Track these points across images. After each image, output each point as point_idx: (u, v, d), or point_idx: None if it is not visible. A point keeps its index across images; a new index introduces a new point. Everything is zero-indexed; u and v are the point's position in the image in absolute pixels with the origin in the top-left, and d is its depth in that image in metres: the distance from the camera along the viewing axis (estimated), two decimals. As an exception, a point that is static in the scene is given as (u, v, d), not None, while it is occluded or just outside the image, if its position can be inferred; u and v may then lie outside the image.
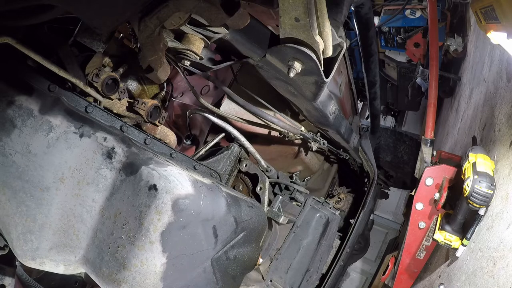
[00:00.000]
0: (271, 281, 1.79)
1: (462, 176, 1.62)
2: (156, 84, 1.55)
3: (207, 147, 1.78)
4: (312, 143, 2.01)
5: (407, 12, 3.77)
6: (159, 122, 1.41)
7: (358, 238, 2.48)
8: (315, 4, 0.92)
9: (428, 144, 2.31)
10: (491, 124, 1.83)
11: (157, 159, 1.08)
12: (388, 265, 2.74)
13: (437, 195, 1.90)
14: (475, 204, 1.44)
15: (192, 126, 2.07)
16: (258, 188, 1.77)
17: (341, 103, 2.48)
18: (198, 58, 1.18)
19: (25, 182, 0.98)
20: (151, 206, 0.97)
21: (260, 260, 1.63)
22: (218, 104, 1.86)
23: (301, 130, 1.87)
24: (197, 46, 1.15)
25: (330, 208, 1.88)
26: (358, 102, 4.49)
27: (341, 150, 2.38)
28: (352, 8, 1.52)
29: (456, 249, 1.65)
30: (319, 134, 2.07)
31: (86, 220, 1.03)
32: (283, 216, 1.74)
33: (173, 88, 2.16)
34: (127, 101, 1.30)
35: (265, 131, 1.97)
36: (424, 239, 2.07)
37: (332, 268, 2.21)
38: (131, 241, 0.97)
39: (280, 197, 1.82)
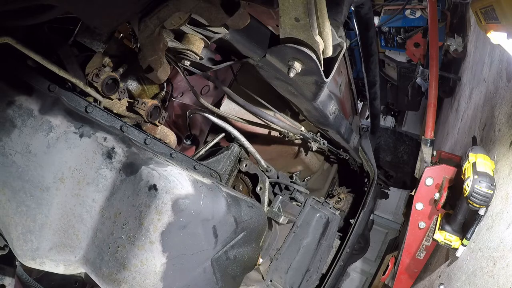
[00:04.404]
0: (271, 281, 1.79)
1: (462, 176, 1.62)
2: (156, 84, 1.55)
3: (207, 147, 1.78)
4: (312, 143, 2.01)
5: (407, 12, 3.77)
6: (159, 122, 1.41)
7: (358, 238, 2.48)
8: (315, 4, 0.92)
9: (428, 144, 2.31)
10: (491, 124, 1.83)
11: (157, 159, 1.08)
12: (388, 265, 2.74)
13: (437, 195, 1.90)
14: (475, 204, 1.44)
15: (192, 126, 2.07)
16: (258, 188, 1.77)
17: (341, 103, 2.47)
18: (198, 58, 1.18)
19: (25, 182, 0.98)
20: (151, 206, 0.97)
21: (260, 260, 1.63)
22: (218, 104, 1.86)
23: (301, 130, 1.87)
24: (197, 46, 1.15)
25: (330, 208, 1.88)
26: (358, 102, 4.48)
27: (341, 150, 2.38)
28: (352, 8, 1.52)
29: (456, 249, 1.65)
30: (319, 134, 2.07)
31: (86, 220, 1.03)
32: (283, 216, 1.74)
33: (173, 88, 2.15)
34: (127, 101, 1.30)
35: (265, 131, 1.97)
36: (424, 239, 2.07)
37: (332, 268, 2.21)
38: (131, 241, 0.97)
39: (280, 197, 1.81)
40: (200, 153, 1.75)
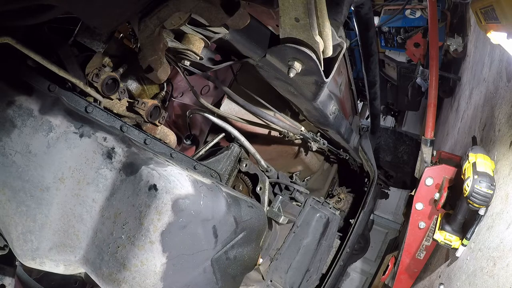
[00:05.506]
0: (271, 281, 1.79)
1: (462, 176, 1.62)
2: (156, 84, 1.55)
3: (207, 147, 1.78)
4: (312, 143, 2.01)
5: (407, 12, 3.77)
6: (159, 122, 1.41)
7: (358, 238, 2.48)
8: (315, 4, 0.92)
9: (428, 144, 2.31)
10: (491, 124, 1.83)
11: (157, 159, 1.08)
12: (388, 265, 2.74)
13: (437, 195, 1.90)
14: (475, 204, 1.44)
15: (192, 126, 2.07)
16: (258, 188, 1.77)
17: (341, 103, 2.47)
18: (198, 58, 1.18)
19: (25, 182, 0.98)
20: (151, 206, 0.97)
21: (260, 260, 1.63)
22: (218, 104, 1.86)
23: (301, 130, 1.87)
24: (197, 46, 1.15)
25: (330, 208, 1.88)
26: (358, 102, 4.48)
27: (341, 150, 2.38)
28: (352, 8, 1.52)
29: (456, 249, 1.65)
30: (319, 134, 2.07)
31: (86, 220, 1.03)
32: (283, 216, 1.74)
33: (173, 88, 2.15)
34: (127, 101, 1.30)
35: (265, 131, 1.97)
36: (424, 239, 2.07)
37: (332, 268, 2.21)
38: (131, 241, 0.97)
39: (280, 197, 1.81)
40: (200, 153, 1.75)
